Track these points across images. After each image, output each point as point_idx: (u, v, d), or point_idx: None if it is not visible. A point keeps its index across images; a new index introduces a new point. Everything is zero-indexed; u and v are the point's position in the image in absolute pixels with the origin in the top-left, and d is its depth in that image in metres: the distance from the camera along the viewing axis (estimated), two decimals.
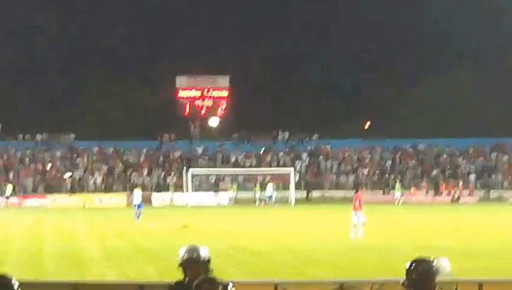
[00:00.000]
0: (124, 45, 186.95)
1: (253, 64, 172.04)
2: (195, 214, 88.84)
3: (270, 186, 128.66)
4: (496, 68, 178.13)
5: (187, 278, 12.78)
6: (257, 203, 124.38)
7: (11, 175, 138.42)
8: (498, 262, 44.09)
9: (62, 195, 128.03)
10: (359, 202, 53.59)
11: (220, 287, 10.49)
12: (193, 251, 13.05)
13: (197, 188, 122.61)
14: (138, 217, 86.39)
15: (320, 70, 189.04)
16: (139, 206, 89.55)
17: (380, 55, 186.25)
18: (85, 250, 56.89)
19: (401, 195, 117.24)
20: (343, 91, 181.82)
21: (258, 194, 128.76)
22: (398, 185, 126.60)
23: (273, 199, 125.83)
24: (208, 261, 13.05)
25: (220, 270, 13.96)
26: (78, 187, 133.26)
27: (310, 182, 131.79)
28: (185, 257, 12.85)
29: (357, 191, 58.52)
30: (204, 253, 13.15)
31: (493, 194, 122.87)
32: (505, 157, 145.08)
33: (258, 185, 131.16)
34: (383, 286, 24.90)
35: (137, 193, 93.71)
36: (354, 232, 54.47)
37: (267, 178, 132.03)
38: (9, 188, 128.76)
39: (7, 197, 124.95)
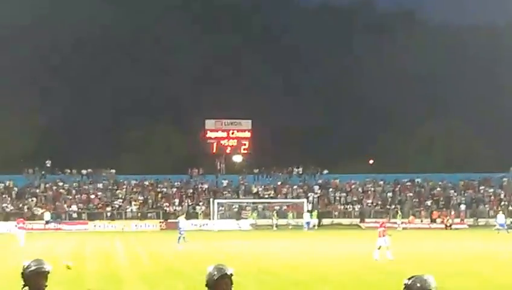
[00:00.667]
0: (158, 93, 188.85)
1: (272, 110, 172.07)
2: (220, 238, 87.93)
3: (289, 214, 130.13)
4: (481, 116, 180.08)
5: None
6: (274, 228, 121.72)
7: (57, 204, 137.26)
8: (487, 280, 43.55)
9: (102, 221, 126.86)
10: (384, 228, 52.51)
11: None
12: (222, 268, 12.35)
13: (222, 216, 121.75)
14: (179, 240, 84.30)
15: (329, 115, 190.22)
16: (181, 230, 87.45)
17: (382, 103, 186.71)
18: (122, 269, 56.34)
19: (401, 222, 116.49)
20: (350, 132, 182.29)
21: (275, 221, 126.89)
22: (398, 213, 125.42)
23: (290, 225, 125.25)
24: (231, 279, 12.21)
25: (242, 288, 13.03)
26: (117, 215, 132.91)
27: (321, 211, 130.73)
28: (213, 273, 12.11)
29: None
30: (230, 271, 12.41)
31: (481, 222, 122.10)
32: (491, 190, 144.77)
33: (275, 213, 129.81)
34: None
35: (182, 220, 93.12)
36: (378, 253, 54.29)
37: (284, 207, 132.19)
38: (46, 215, 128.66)
39: (46, 222, 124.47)
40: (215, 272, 12.24)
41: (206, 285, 12.31)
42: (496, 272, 49.26)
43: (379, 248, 51.70)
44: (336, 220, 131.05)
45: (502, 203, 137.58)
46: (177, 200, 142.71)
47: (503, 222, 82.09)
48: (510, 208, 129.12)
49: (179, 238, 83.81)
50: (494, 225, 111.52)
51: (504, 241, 78.46)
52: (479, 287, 36.45)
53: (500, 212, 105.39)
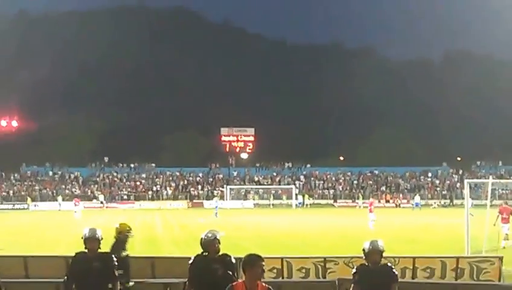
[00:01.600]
0: (188, 108, 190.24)
1: (269, 122, 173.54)
2: (231, 214, 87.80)
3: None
4: (417, 125, 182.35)
5: (207, 253, 13.59)
6: (271, 206, 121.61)
7: (112, 189, 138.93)
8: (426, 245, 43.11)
9: (145, 201, 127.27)
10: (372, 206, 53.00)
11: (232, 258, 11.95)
12: (211, 234, 13.91)
13: (233, 198, 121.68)
14: (216, 215, 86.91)
15: (311, 125, 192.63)
16: (216, 208, 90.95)
17: (349, 116, 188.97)
18: (159, 236, 56.40)
19: (363, 203, 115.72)
20: (326, 137, 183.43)
21: (271, 202, 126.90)
22: (360, 196, 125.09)
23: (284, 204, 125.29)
24: (219, 241, 13.86)
25: (245, 248, 12.54)
26: (155, 197, 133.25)
27: (304, 194, 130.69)
28: (206, 237, 13.78)
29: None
30: (217, 235, 13.93)
31: (422, 202, 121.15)
32: (429, 179, 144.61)
33: (271, 196, 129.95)
34: (352, 259, 23.29)
35: (216, 200, 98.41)
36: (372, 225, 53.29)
37: (279, 192, 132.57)
38: (101, 197, 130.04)
39: (102, 203, 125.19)
40: (209, 235, 13.85)
41: (200, 244, 13.90)
42: (430, 237, 48.92)
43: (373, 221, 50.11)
44: (316, 201, 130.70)
45: (438, 188, 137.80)
46: (200, 186, 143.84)
47: (418, 202, 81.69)
48: (443, 192, 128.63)
49: (215, 213, 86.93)
50: (431, 205, 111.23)
51: (424, 216, 78.01)
52: (419, 248, 36.01)
53: (417, 195, 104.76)
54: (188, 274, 13.55)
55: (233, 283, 11.38)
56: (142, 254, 31.64)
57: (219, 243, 13.86)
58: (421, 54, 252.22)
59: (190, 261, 13.74)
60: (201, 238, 13.96)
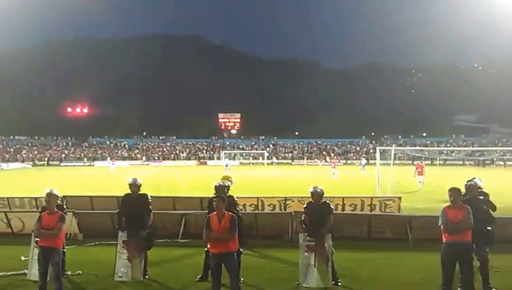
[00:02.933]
0: (199, 99, 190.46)
1: (251, 109, 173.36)
2: (225, 170, 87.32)
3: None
4: (348, 112, 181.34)
5: (218, 195, 12.96)
6: (250, 164, 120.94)
7: (148, 153, 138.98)
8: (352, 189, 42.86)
9: (169, 161, 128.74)
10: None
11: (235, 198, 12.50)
12: (222, 182, 14.54)
13: (226, 158, 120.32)
14: (228, 169, 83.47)
15: (278, 110, 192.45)
16: (227, 165, 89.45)
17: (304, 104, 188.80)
18: (178, 183, 55.78)
19: (323, 162, 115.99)
20: (288, 118, 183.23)
21: (251, 161, 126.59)
22: (327, 158, 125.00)
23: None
24: (228, 187, 14.54)
25: (234, 191, 12.43)
26: (175, 157, 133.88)
27: (272, 156, 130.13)
28: (218, 184, 14.26)
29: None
30: (226, 183, 14.52)
31: (349, 162, 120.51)
32: (353, 147, 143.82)
33: (251, 157, 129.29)
34: (303, 198, 23.21)
35: (226, 160, 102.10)
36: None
37: (256, 154, 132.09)
38: (144, 158, 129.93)
39: (143, 162, 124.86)
40: (221, 183, 14.38)
41: (215, 189, 14.18)
42: (355, 184, 48.44)
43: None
44: (280, 161, 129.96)
45: (359, 153, 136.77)
46: (204, 151, 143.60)
47: (364, 164, 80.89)
48: (363, 155, 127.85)
49: (227, 169, 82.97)
50: (355, 164, 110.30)
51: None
52: (347, 191, 35.86)
53: (363, 158, 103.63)
54: (207, 209, 14.19)
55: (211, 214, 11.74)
56: (166, 194, 31.54)
57: (228, 188, 14.57)
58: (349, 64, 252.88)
59: (209, 201, 14.01)
60: (216, 185, 14.35)
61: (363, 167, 79.75)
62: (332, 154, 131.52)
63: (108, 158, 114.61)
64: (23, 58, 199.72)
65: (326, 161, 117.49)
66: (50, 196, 12.52)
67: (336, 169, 65.07)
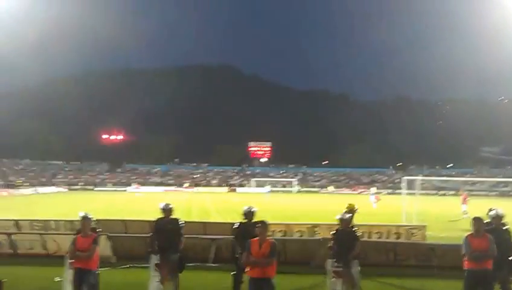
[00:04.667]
0: (228, 129, 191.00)
1: (281, 139, 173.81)
2: (257, 197, 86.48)
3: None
4: (375, 143, 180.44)
5: (246, 220, 14.39)
6: (280, 192, 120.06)
7: (179, 179, 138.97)
8: (380, 217, 42.47)
9: (199, 187, 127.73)
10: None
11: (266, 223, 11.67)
12: (250, 208, 14.58)
13: (256, 186, 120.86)
14: (267, 194, 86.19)
15: (308, 141, 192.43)
16: (267, 192, 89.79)
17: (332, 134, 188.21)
18: (209, 207, 55.96)
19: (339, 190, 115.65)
20: (317, 148, 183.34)
21: (280, 188, 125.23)
22: (374, 188, 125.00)
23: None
24: (254, 213, 14.57)
25: (263, 217, 12.37)
26: (207, 184, 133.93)
27: (300, 183, 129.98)
28: (247, 210, 14.50)
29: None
30: (254, 210, 14.56)
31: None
32: (380, 177, 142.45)
33: (279, 186, 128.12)
34: (331, 225, 23.04)
35: (267, 188, 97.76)
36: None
37: (285, 182, 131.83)
38: (186, 184, 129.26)
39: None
40: (247, 209, 14.64)
41: (243, 214, 14.63)
42: (382, 212, 48.11)
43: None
44: (308, 189, 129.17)
45: (387, 183, 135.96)
46: (236, 178, 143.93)
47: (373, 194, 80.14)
48: (389, 185, 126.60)
49: (267, 195, 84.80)
50: (381, 192, 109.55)
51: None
52: (374, 219, 35.65)
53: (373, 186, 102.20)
54: (232, 233, 14.74)
55: (252, 239, 11.73)
56: (197, 220, 31.67)
57: (254, 214, 14.57)
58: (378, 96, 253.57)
59: (235, 226, 14.65)
60: (244, 210, 14.68)
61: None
62: (375, 188, 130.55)
63: (134, 184, 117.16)
64: (63, 87, 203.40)
65: (355, 190, 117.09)
66: (85, 219, 12.74)
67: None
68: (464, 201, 44.05)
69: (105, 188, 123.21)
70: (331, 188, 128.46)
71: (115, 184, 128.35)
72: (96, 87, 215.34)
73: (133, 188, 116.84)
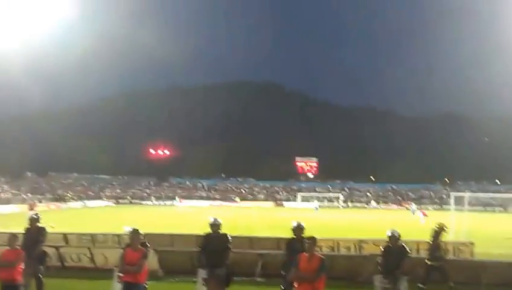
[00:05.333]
0: (276, 145, 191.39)
1: (327, 154, 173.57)
2: (301, 212, 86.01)
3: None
4: (422, 159, 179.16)
5: (295, 236, 14.46)
6: (326, 207, 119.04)
7: (225, 194, 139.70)
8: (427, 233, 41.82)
9: (245, 201, 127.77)
10: None
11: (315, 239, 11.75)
12: (299, 224, 14.65)
13: (303, 200, 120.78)
14: (316, 209, 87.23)
15: (354, 155, 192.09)
16: (316, 208, 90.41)
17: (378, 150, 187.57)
18: (253, 222, 55.93)
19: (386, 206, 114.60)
20: (364, 164, 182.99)
21: (326, 203, 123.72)
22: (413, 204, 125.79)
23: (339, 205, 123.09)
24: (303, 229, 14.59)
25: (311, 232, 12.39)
26: (253, 198, 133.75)
27: (346, 199, 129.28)
28: (297, 226, 14.63)
29: None
30: (303, 225, 14.64)
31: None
32: (427, 192, 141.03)
33: (325, 201, 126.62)
34: (378, 241, 22.93)
35: (316, 203, 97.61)
36: None
37: (331, 197, 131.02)
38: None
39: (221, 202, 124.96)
40: (296, 224, 14.65)
41: (292, 229, 14.68)
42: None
43: None
44: (355, 204, 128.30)
45: (435, 199, 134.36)
46: (282, 193, 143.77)
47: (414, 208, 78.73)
48: (436, 200, 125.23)
49: (316, 210, 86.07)
50: (428, 209, 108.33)
51: None
52: (422, 235, 35.26)
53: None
54: (284, 248, 15.05)
55: (301, 254, 11.72)
56: (243, 234, 31.73)
57: (303, 230, 14.59)
58: (423, 112, 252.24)
59: (287, 242, 14.90)
60: (293, 227, 14.79)
61: (414, 212, 77.39)
62: (402, 198, 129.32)
63: (177, 197, 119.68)
64: (111, 105, 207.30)
65: (401, 206, 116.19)
66: (134, 233, 12.91)
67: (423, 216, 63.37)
68: None
69: (151, 202, 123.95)
70: (380, 204, 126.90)
71: (160, 198, 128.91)
72: (144, 103, 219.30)
73: (175, 202, 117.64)
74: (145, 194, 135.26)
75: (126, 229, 13.23)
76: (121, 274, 12.73)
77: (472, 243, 26.38)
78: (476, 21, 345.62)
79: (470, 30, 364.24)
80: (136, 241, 12.78)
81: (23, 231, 15.66)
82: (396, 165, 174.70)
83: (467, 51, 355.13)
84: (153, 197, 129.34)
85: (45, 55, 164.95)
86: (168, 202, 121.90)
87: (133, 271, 12.34)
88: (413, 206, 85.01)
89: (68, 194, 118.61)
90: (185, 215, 69.58)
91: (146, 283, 13.32)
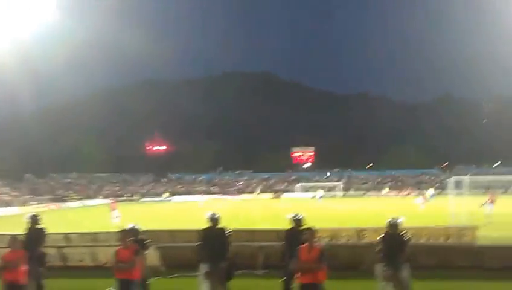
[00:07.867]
0: (271, 137, 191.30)
1: (324, 143, 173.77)
2: (300, 202, 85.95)
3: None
4: (421, 144, 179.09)
5: (294, 227, 14.56)
6: (325, 196, 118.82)
7: (225, 188, 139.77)
8: (429, 219, 41.85)
9: (244, 194, 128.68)
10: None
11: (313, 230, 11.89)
12: (297, 215, 14.79)
13: (301, 190, 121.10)
14: (320, 199, 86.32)
15: (351, 144, 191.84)
16: (320, 197, 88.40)
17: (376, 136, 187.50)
18: (254, 214, 55.99)
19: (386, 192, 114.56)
20: (360, 151, 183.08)
21: (326, 193, 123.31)
22: (387, 188, 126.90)
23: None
24: (301, 220, 14.71)
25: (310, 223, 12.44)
26: (251, 191, 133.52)
27: (345, 187, 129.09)
28: (294, 217, 14.71)
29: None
30: (301, 216, 14.76)
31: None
32: (426, 177, 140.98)
33: (325, 189, 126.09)
34: (378, 229, 22.94)
35: (320, 192, 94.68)
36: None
37: (330, 186, 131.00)
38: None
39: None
40: (294, 215, 14.91)
41: (291, 221, 14.83)
42: (429, 213, 47.49)
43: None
44: (353, 192, 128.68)
45: (435, 184, 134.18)
46: (281, 184, 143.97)
47: (432, 193, 77.18)
48: (436, 185, 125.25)
49: (320, 200, 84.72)
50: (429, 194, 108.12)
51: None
52: (423, 221, 35.31)
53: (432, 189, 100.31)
54: (283, 239, 15.07)
55: (301, 245, 11.95)
56: (243, 227, 31.79)
57: (302, 221, 14.71)
58: (419, 97, 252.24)
59: (285, 232, 15.00)
60: (292, 218, 14.91)
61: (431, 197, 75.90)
62: (432, 189, 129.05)
63: (165, 193, 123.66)
64: (105, 101, 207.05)
65: (400, 192, 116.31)
66: (121, 232, 13.32)
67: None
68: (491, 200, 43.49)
69: (150, 198, 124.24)
70: (385, 190, 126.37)
71: (159, 194, 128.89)
72: (138, 99, 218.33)
73: (164, 197, 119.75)
74: (143, 191, 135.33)
75: (129, 226, 13.32)
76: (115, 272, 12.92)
77: (474, 227, 26.19)
78: (473, 2, 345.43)
79: (468, 12, 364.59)
80: (124, 239, 12.98)
81: (24, 232, 15.67)
82: (394, 151, 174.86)
83: (464, 31, 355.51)
84: (154, 194, 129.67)
85: (34, 55, 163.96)
86: (169, 198, 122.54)
87: (126, 268, 12.54)
88: (431, 191, 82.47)
89: (69, 194, 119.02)
90: (184, 211, 69.62)
91: (148, 280, 13.37)
